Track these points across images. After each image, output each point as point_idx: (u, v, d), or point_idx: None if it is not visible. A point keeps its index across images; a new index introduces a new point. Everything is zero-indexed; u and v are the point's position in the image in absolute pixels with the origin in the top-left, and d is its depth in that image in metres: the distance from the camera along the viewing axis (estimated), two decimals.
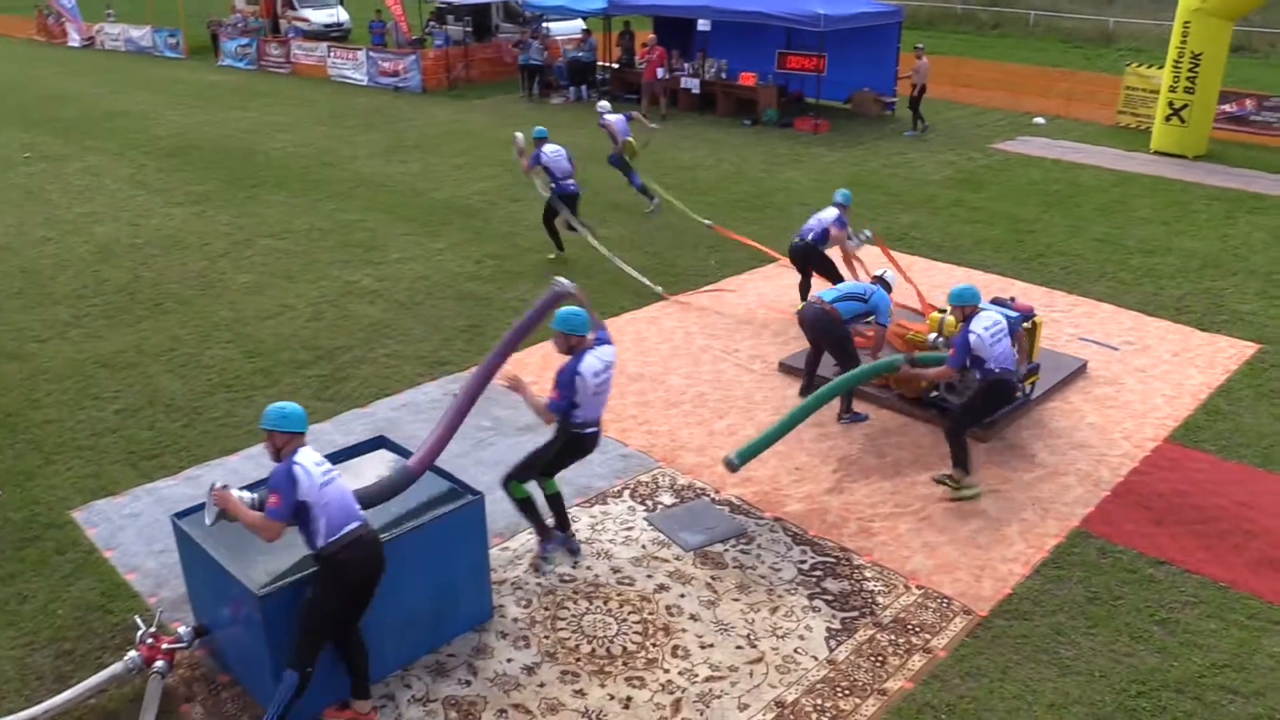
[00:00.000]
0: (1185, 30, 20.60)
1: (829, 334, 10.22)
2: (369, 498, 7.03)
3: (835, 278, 12.36)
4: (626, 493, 9.23)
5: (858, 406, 10.57)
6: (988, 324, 8.85)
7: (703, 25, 25.54)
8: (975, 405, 9.17)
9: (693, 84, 26.54)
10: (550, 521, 8.22)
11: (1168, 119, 21.48)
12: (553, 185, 14.92)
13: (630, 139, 17.49)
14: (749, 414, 10.61)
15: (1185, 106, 21.09)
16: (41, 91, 31.43)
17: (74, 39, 43.85)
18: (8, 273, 15.01)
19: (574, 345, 7.71)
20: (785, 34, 25.15)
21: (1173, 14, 21.38)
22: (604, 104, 18.63)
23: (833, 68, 24.55)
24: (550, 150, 14.97)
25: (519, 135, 15.81)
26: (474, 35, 33.84)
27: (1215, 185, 19.24)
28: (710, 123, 25.44)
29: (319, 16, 39.29)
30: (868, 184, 19.44)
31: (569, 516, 8.36)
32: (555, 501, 8.21)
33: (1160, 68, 22.82)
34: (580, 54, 28.95)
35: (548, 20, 32.34)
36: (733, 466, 8.80)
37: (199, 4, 41.22)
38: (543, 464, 7.97)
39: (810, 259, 12.67)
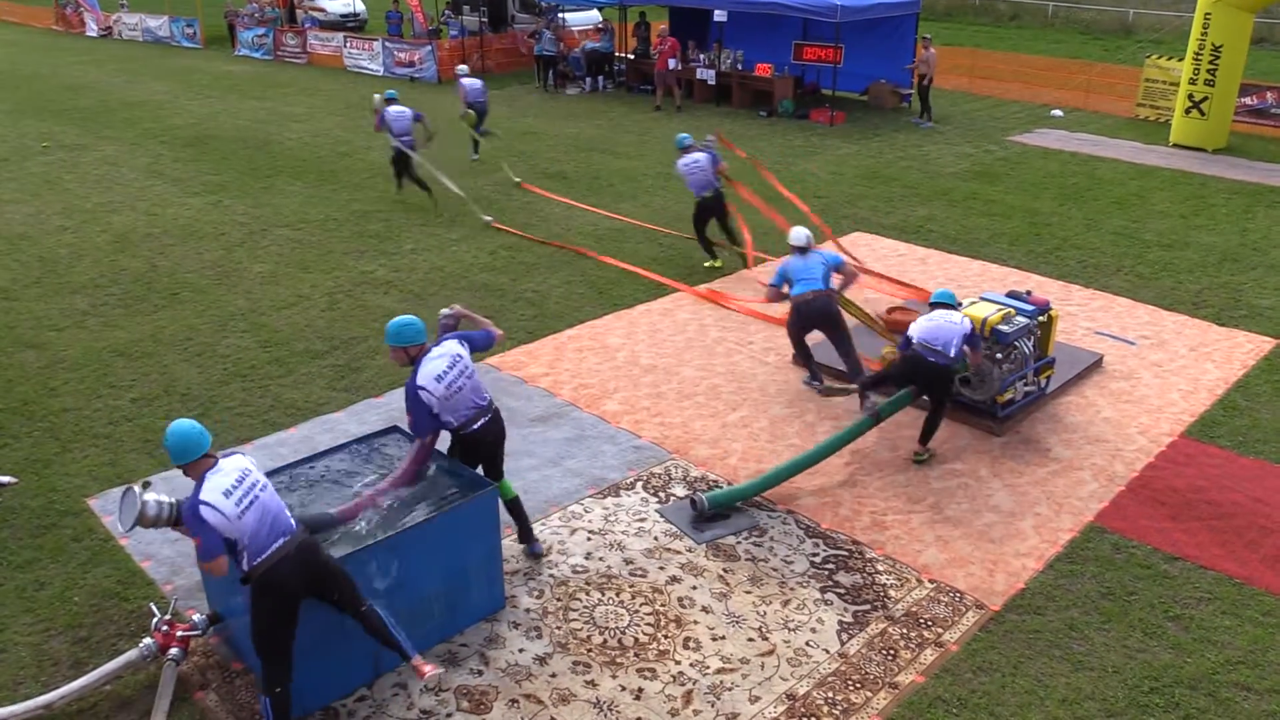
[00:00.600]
0: (1206, 22, 20.45)
1: (838, 323, 10.58)
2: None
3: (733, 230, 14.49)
4: (639, 484, 9.22)
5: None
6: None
7: (719, 16, 25.49)
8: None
9: (708, 75, 26.49)
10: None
11: (1187, 112, 21.34)
12: (395, 141, 17.14)
13: (471, 110, 20.10)
14: (763, 406, 10.60)
15: (1205, 99, 20.96)
16: (59, 81, 31.55)
17: (91, 29, 44.00)
18: (26, 262, 15.09)
19: (413, 355, 7.43)
20: (802, 25, 25.09)
21: (1193, 6, 21.23)
22: (462, 67, 20.36)
23: (849, 59, 24.51)
24: (394, 110, 17.11)
25: (376, 96, 18.09)
26: (490, 26, 33.84)
27: (1235, 179, 19.12)
28: (725, 114, 25.40)
29: (335, 7, 39.39)
30: (884, 176, 19.40)
31: (529, 524, 8.19)
32: (513, 508, 8.04)
33: (1180, 60, 22.71)
34: (597, 45, 28.92)
35: (564, 11, 32.32)
36: (699, 506, 8.67)
37: None
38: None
39: (717, 211, 14.21)
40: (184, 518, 5.95)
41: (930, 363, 9.27)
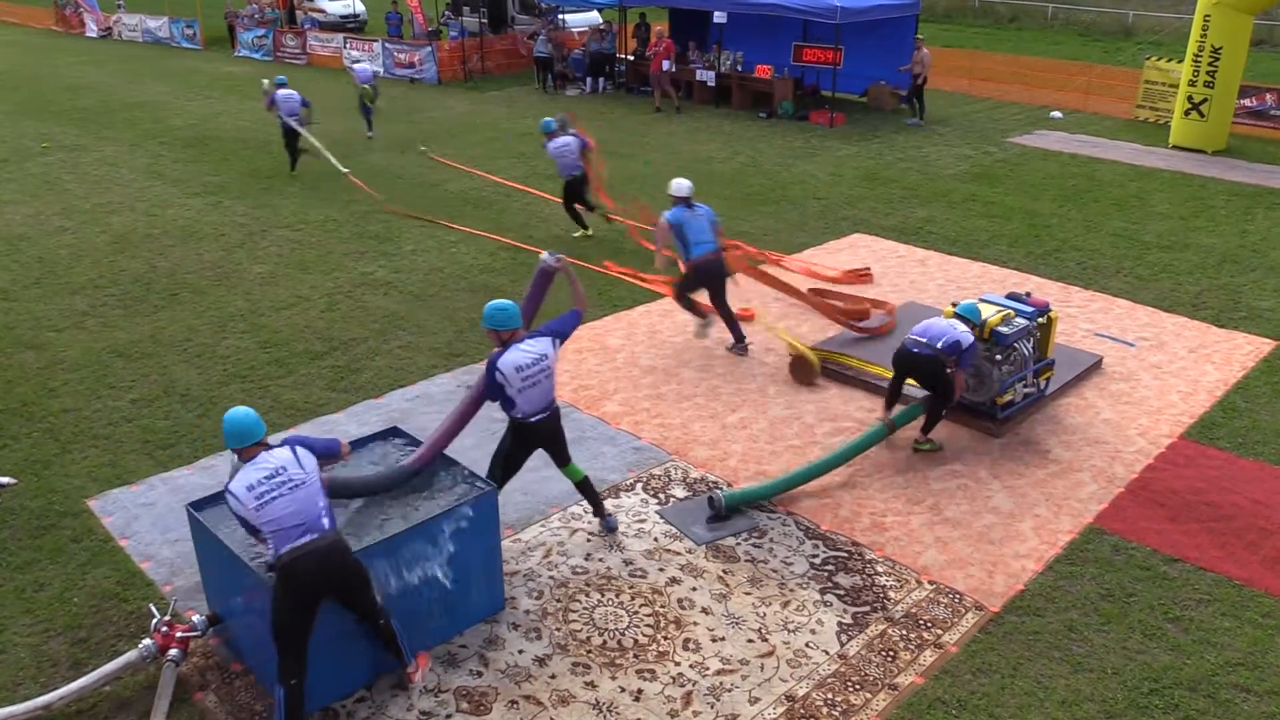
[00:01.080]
0: (1205, 24, 20.46)
1: (724, 280, 11.66)
2: (361, 486, 7.17)
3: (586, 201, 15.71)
4: (639, 485, 9.22)
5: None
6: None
7: (719, 17, 25.49)
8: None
9: (708, 76, 26.48)
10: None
11: (1187, 114, 21.35)
12: (282, 119, 19.33)
13: (368, 86, 22.89)
14: (762, 407, 10.60)
15: (1205, 101, 20.97)
16: (59, 82, 31.56)
17: (91, 29, 44.04)
18: (25, 262, 15.10)
19: (505, 339, 7.68)
20: (802, 26, 25.11)
21: (1193, 7, 21.24)
22: (353, 53, 21.01)
23: (849, 61, 24.51)
24: (283, 94, 19.25)
25: (265, 81, 20.52)
26: (490, 27, 33.84)
27: (1234, 180, 19.13)
28: (725, 115, 25.41)
29: (335, 8, 39.45)
30: (884, 178, 19.40)
31: (600, 500, 8.56)
32: (584, 488, 8.41)
33: (1180, 62, 22.71)
34: (598, 46, 28.92)
35: (564, 12, 32.33)
36: (717, 504, 8.73)
37: None
38: (503, 457, 8.07)
39: (582, 188, 15.73)
40: None
41: (914, 353, 9.43)
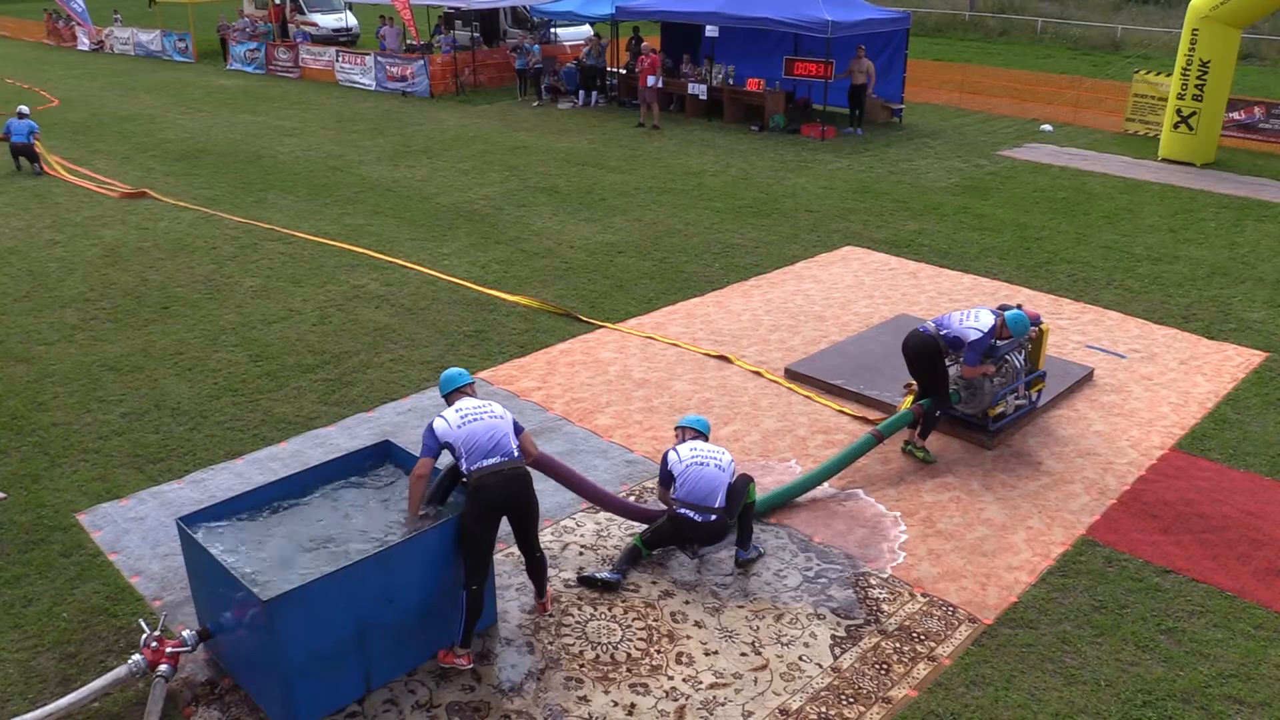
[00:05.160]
0: (1194, 37, 20.56)
1: None
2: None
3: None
4: (631, 498, 9.17)
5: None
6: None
7: (710, 31, 25.55)
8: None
9: (699, 90, 26.54)
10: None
11: (1176, 126, 21.44)
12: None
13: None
14: (754, 420, 10.59)
15: (1194, 114, 21.05)
16: (51, 95, 31.49)
17: (83, 43, 44.02)
18: (15, 275, 15.06)
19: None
20: (793, 40, 25.21)
21: (1181, 22, 21.33)
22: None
23: (839, 75, 24.55)
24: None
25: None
26: (483, 40, 33.88)
27: (1223, 193, 19.20)
28: (717, 129, 25.47)
29: (327, 21, 39.48)
30: (875, 191, 19.44)
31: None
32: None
33: (1168, 75, 22.80)
34: (588, 60, 28.97)
35: (556, 26, 32.38)
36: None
37: (209, 9, 41.27)
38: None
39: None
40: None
41: (916, 332, 9.64)
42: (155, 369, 11.86)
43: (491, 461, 7.07)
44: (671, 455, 8.23)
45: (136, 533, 8.68)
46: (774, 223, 17.40)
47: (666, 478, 8.19)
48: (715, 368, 11.78)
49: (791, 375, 11.49)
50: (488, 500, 7.00)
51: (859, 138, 24.18)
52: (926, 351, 9.54)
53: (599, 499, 8.37)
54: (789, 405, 10.91)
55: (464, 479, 7.14)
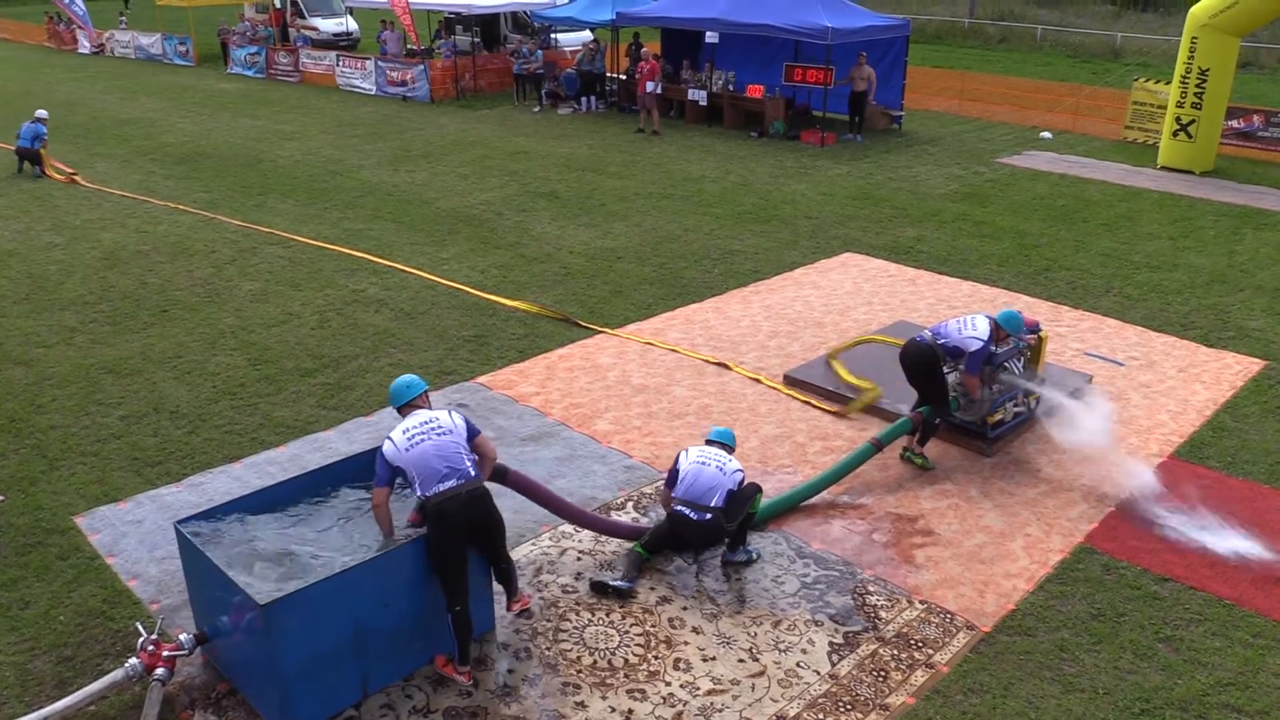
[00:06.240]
0: (1193, 45, 20.59)
1: None
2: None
3: None
4: (630, 504, 9.18)
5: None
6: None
7: (710, 37, 25.55)
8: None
9: (699, 96, 26.54)
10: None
11: (1175, 134, 21.45)
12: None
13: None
14: (753, 426, 10.59)
15: (1193, 122, 21.07)
16: (51, 98, 31.46)
17: (84, 46, 44.04)
18: (14, 278, 15.06)
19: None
20: (793, 46, 25.22)
21: (1180, 29, 21.35)
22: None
23: (840, 81, 24.57)
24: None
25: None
26: (484, 45, 33.85)
27: (1222, 201, 19.22)
28: (717, 135, 25.46)
29: (328, 25, 39.46)
30: (874, 197, 19.45)
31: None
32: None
33: (1167, 83, 22.82)
34: (583, 65, 28.96)
35: (557, 31, 32.36)
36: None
37: (208, 13, 41.27)
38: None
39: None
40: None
41: (914, 341, 9.66)
42: (154, 372, 11.85)
43: (448, 486, 6.84)
44: (680, 455, 8.39)
45: (134, 536, 8.67)
46: (773, 229, 17.40)
47: (671, 477, 8.31)
48: (714, 373, 11.78)
49: (790, 381, 11.48)
50: (450, 526, 6.81)
51: (859, 144, 24.20)
52: (925, 361, 9.54)
53: (575, 517, 8.31)
54: (787, 411, 10.91)
55: (421, 504, 6.93)
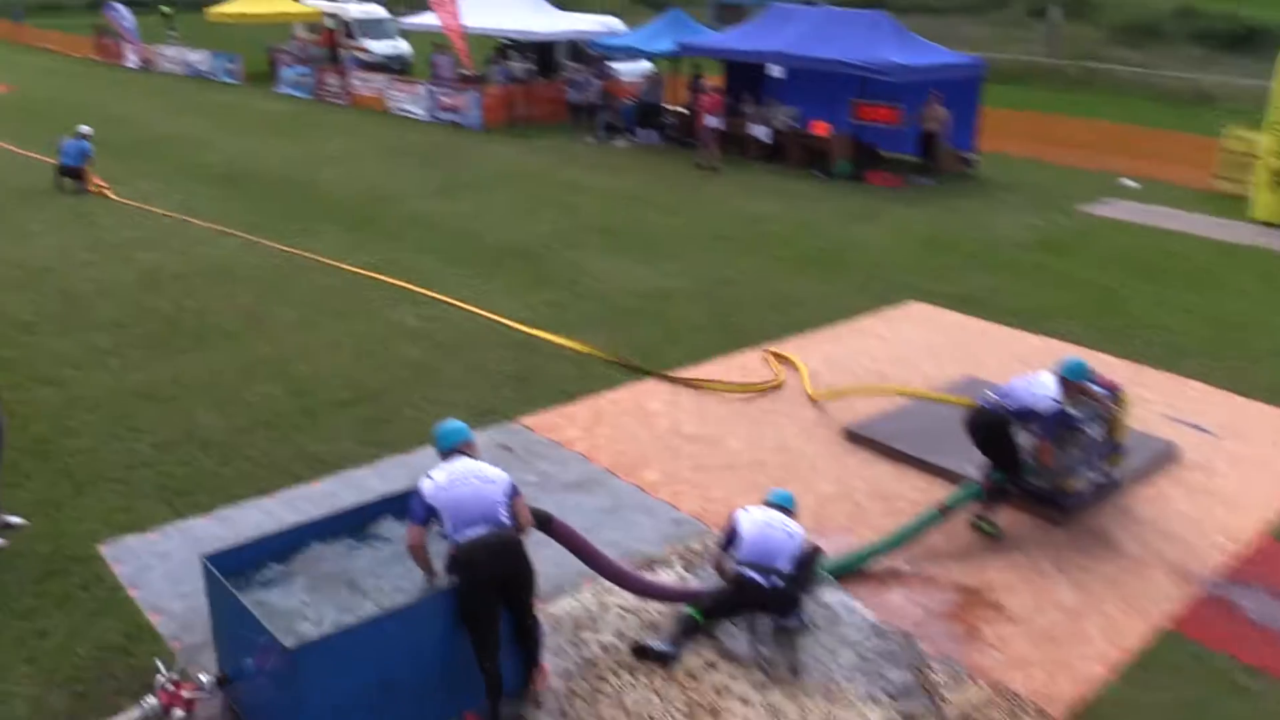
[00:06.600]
0: None
1: None
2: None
3: None
4: (677, 559, 8.75)
5: None
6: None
7: (776, 72, 25.09)
8: None
9: (762, 131, 26.05)
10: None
11: (1274, 187, 20.67)
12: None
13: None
14: (810, 484, 10.07)
15: None
16: (95, 113, 31.17)
17: (131, 60, 44.37)
18: (48, 295, 14.84)
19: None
20: (860, 83, 24.57)
21: (1271, 73, 20.71)
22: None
23: (910, 119, 24.03)
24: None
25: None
26: (539, 73, 33.58)
27: None
28: (779, 173, 24.85)
29: (379, 47, 39.20)
30: (944, 244, 18.93)
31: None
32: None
33: (1258, 130, 22.07)
34: (645, 97, 28.69)
35: (614, 60, 31.98)
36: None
37: (258, 31, 41.42)
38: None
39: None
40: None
41: (980, 407, 9.29)
42: (187, 399, 11.56)
43: (476, 531, 6.65)
44: (739, 514, 7.96)
45: (159, 569, 8.41)
46: (837, 274, 16.92)
47: (729, 538, 7.88)
48: (772, 425, 11.32)
49: (851, 437, 11.00)
50: (478, 575, 6.61)
51: (929, 187, 23.63)
52: (995, 430, 9.08)
53: (619, 578, 7.84)
54: (845, 468, 10.42)
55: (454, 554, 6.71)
